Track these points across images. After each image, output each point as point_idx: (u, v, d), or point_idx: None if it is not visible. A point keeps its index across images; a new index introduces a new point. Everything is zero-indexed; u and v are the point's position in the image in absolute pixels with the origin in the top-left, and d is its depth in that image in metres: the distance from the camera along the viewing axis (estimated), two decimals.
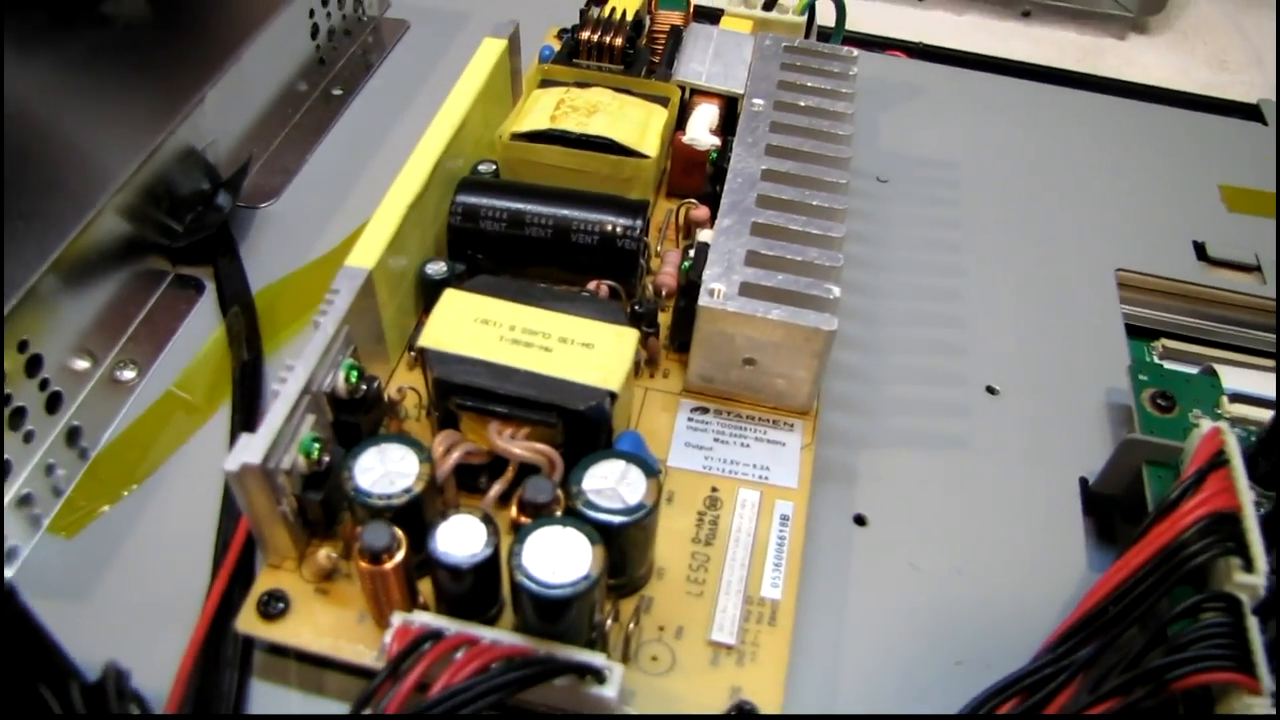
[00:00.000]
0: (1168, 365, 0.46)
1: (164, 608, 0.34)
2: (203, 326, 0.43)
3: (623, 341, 0.34)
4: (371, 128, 0.54)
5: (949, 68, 0.62)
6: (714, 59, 0.48)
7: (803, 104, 0.44)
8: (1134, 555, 0.32)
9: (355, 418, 0.34)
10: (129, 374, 0.41)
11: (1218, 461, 0.32)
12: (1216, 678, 0.28)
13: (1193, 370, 0.42)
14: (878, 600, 0.36)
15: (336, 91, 0.56)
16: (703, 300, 0.35)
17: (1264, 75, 0.70)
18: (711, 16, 0.54)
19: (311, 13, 0.55)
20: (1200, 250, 0.51)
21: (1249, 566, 0.30)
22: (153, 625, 0.33)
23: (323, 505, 0.32)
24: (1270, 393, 0.40)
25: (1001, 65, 0.64)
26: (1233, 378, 0.42)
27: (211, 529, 0.36)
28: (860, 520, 0.38)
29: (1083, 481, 0.40)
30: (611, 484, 0.30)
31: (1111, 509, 0.39)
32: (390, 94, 0.57)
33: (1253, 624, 0.29)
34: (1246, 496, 0.31)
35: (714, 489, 0.36)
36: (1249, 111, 0.62)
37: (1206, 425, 0.36)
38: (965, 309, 0.46)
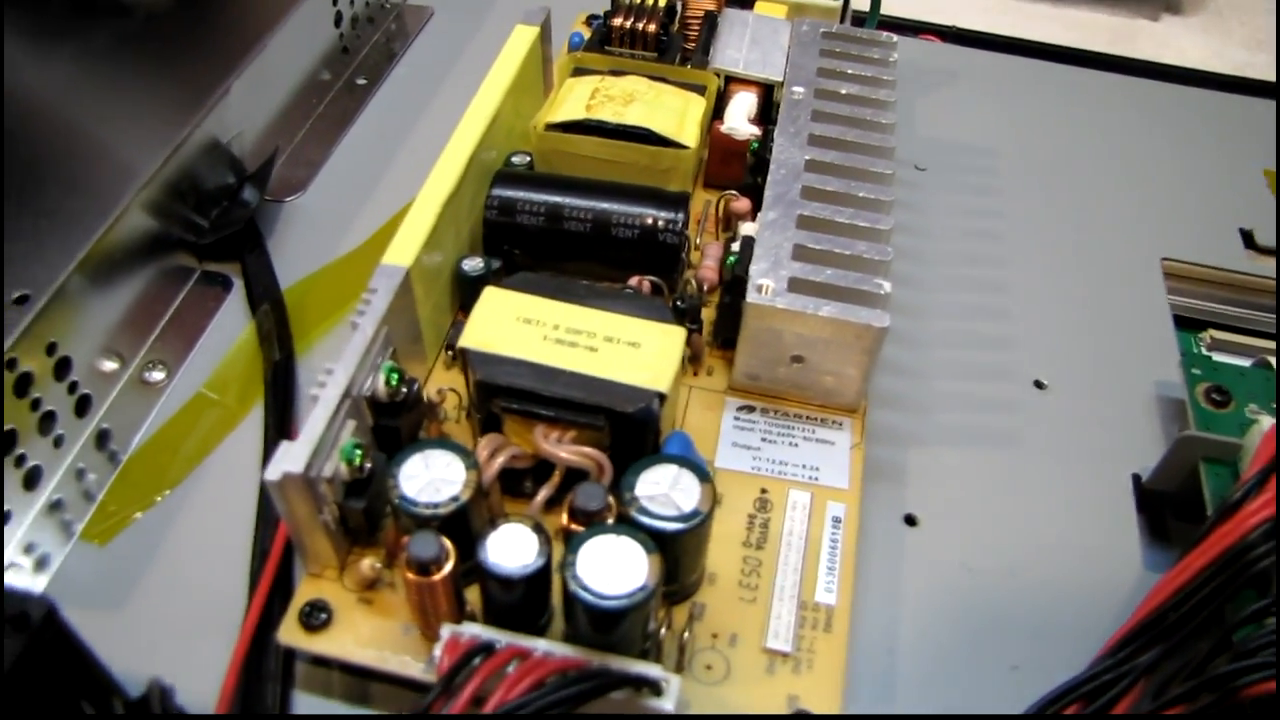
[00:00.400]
0: (1216, 357, 0.45)
1: (202, 618, 0.33)
2: (232, 325, 0.42)
3: (670, 340, 0.33)
4: (397, 117, 0.53)
5: (984, 52, 0.61)
6: (751, 45, 0.47)
7: (844, 92, 0.43)
8: (1195, 558, 0.31)
9: (395, 422, 0.33)
10: (158, 375, 0.40)
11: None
12: None
13: (1242, 362, 0.41)
14: (931, 603, 0.35)
15: (361, 81, 0.55)
16: (751, 297, 0.34)
17: None
18: (744, 1, 0.52)
19: (335, 0, 0.54)
20: (1248, 238, 0.50)
21: None
22: (191, 636, 0.33)
23: (365, 513, 0.31)
24: None
25: (1037, 49, 0.63)
26: None
27: (248, 534, 0.35)
28: (911, 520, 0.37)
29: (1135, 478, 0.39)
30: (664, 490, 0.29)
31: (1165, 506, 0.38)
32: (416, 82, 0.56)
33: None
34: None
35: (764, 490, 0.35)
36: None
37: (1267, 422, 0.35)
38: (1010, 301, 0.45)
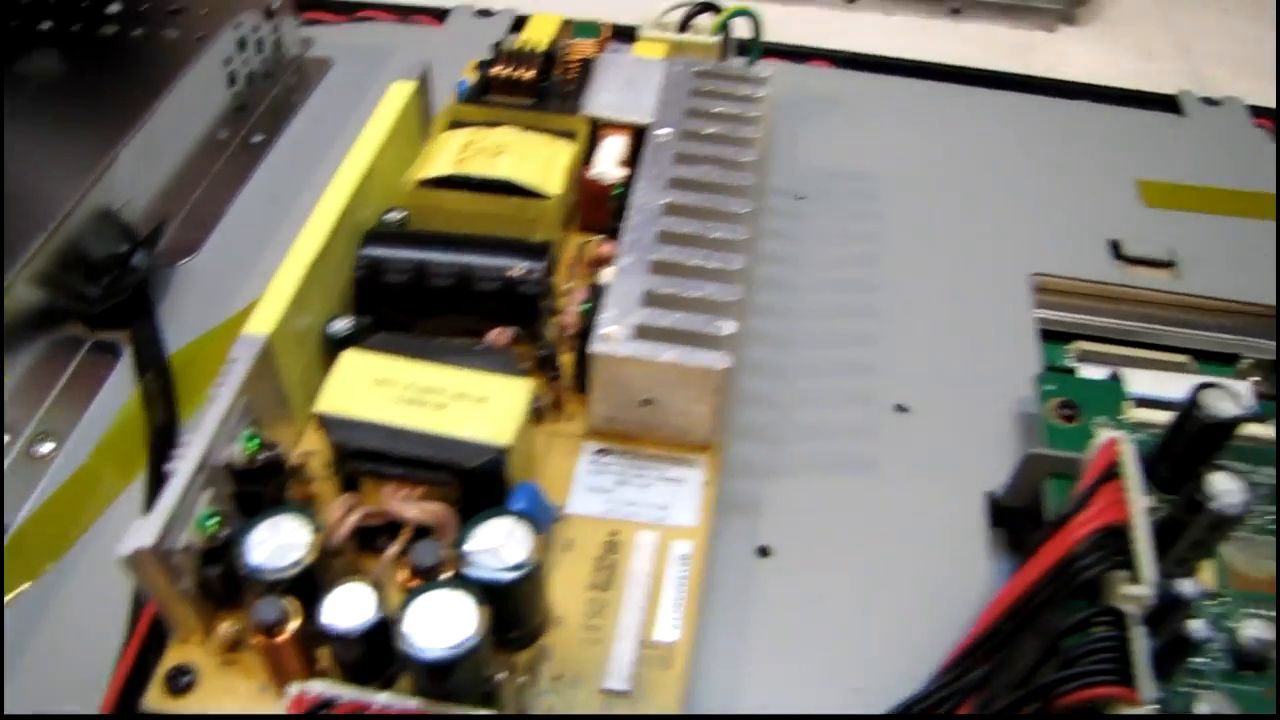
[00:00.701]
0: (1085, 367, 0.47)
1: (82, 690, 0.34)
2: (121, 392, 0.44)
3: (515, 393, 0.35)
4: (293, 173, 0.55)
5: (873, 75, 0.63)
6: (624, 88, 0.48)
7: (708, 131, 0.45)
8: (1026, 573, 0.32)
9: (257, 487, 0.35)
10: (47, 447, 0.41)
11: (1110, 474, 0.33)
12: (1098, 693, 0.29)
13: (1106, 373, 0.43)
14: (778, 632, 0.36)
15: (257, 138, 0.57)
16: (595, 346, 0.36)
17: (1189, 64, 0.71)
18: (631, 36, 0.54)
19: (228, 60, 0.56)
20: (1116, 249, 0.52)
21: (1137, 578, 0.30)
22: (67, 709, 0.34)
23: (224, 578, 0.33)
24: (1171, 394, 0.41)
25: (925, 69, 0.64)
26: (1141, 379, 0.43)
27: (127, 604, 0.36)
28: (764, 551, 0.39)
29: (989, 496, 0.41)
30: (497, 543, 0.31)
31: (1020, 522, 0.40)
32: (313, 136, 0.57)
33: (1137, 635, 0.30)
34: (1138, 507, 0.32)
35: (613, 533, 0.36)
36: (1168, 104, 0.62)
37: (1103, 436, 0.36)
38: (879, 326, 0.47)
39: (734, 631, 0.36)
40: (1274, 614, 0.36)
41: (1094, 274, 0.50)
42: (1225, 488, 0.34)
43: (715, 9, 0.53)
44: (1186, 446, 0.37)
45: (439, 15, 0.67)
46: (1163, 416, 0.40)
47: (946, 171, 0.56)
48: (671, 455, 0.38)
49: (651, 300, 0.38)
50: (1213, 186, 0.55)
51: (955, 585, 0.38)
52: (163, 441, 0.41)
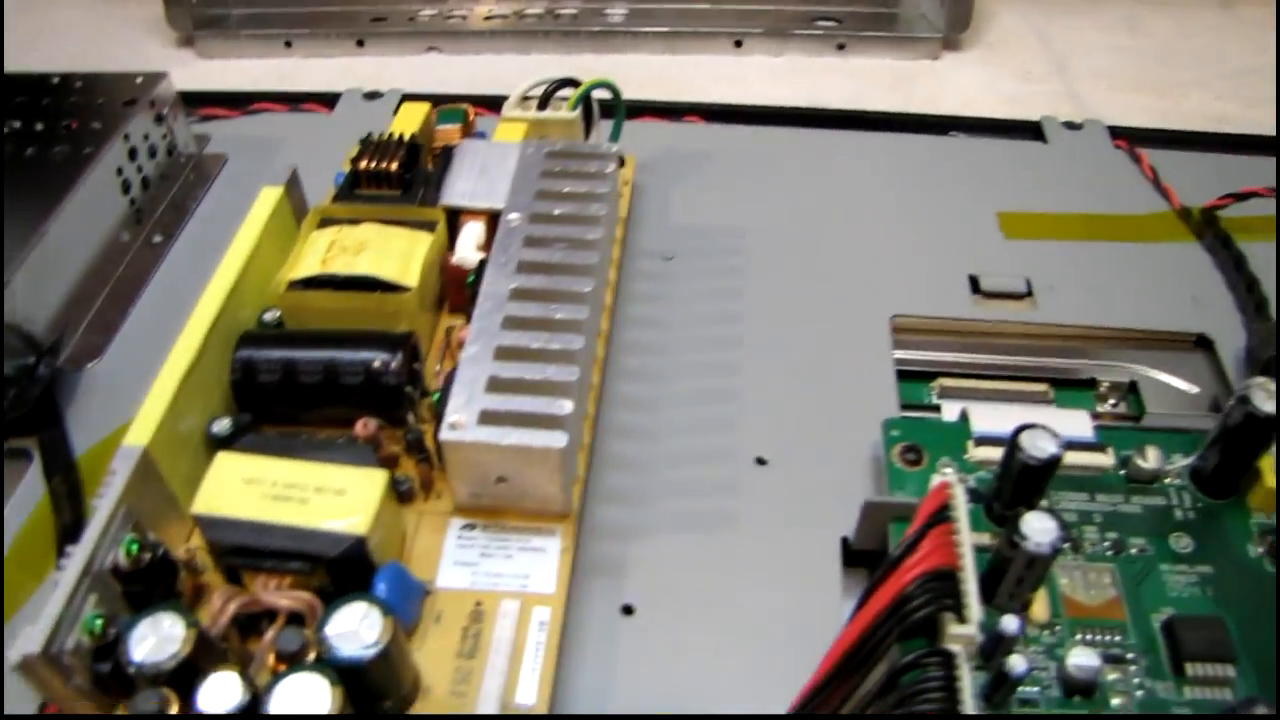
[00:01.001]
0: (948, 404, 0.51)
1: None
2: (33, 496, 0.49)
3: (371, 484, 0.40)
4: (192, 270, 0.58)
5: (744, 126, 0.68)
6: (479, 175, 0.53)
7: (557, 212, 0.50)
8: (863, 615, 0.36)
9: (143, 586, 0.40)
10: None
11: (939, 517, 0.36)
12: None
13: (960, 407, 0.47)
14: (639, 687, 0.41)
15: (157, 239, 0.62)
16: (443, 434, 0.41)
17: (1065, 83, 0.76)
18: (499, 107, 0.59)
19: (120, 170, 0.61)
20: (975, 284, 0.57)
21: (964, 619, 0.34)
22: None
23: (114, 673, 0.38)
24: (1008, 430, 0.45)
25: (796, 116, 0.70)
26: (991, 415, 0.46)
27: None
28: (628, 610, 0.44)
29: (844, 541, 0.45)
30: (354, 626, 0.36)
31: (875, 563, 0.43)
32: (209, 233, 0.62)
33: (964, 673, 0.33)
34: (966, 550, 0.35)
35: (478, 604, 0.41)
36: (1033, 130, 0.68)
37: (935, 479, 0.41)
38: (742, 381, 0.52)
39: (599, 689, 0.41)
40: (1103, 639, 0.40)
41: (953, 311, 0.55)
42: (1037, 527, 0.38)
43: (574, 83, 0.58)
44: (1013, 486, 0.42)
45: (329, 102, 0.73)
46: (1000, 454, 0.44)
47: (814, 219, 0.60)
48: (533, 526, 0.44)
49: (495, 385, 0.43)
50: (1070, 213, 0.61)
51: (813, 628, 0.41)
52: (71, 542, 0.46)
